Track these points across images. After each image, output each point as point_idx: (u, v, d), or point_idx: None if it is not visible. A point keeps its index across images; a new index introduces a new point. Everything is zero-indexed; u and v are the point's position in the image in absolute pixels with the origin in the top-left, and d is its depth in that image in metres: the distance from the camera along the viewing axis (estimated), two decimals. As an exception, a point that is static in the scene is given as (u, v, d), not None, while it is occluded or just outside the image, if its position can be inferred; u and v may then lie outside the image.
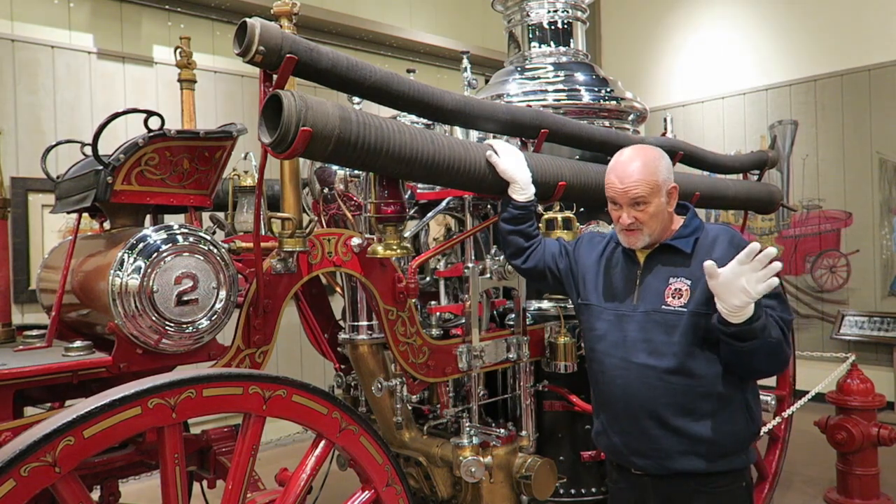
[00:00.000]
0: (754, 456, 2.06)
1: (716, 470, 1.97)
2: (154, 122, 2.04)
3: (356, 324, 2.54)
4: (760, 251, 1.72)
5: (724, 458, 1.97)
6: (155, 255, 1.84)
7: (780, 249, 2.11)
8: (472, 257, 2.70)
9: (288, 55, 1.72)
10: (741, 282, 1.72)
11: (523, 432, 2.70)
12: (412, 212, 2.78)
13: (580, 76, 3.29)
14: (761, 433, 2.08)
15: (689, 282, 1.99)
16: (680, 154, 3.08)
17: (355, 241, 2.26)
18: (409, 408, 2.75)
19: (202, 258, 1.92)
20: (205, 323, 1.92)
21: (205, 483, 2.45)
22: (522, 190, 2.28)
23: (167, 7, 5.04)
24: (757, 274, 1.71)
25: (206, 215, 2.77)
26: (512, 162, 2.24)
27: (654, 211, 2.01)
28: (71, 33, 4.63)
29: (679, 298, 1.98)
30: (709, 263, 1.78)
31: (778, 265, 1.73)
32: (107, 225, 2.33)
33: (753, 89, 6.59)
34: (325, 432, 1.85)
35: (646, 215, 2.01)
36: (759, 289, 1.71)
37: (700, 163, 3.36)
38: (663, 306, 1.99)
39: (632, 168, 2.02)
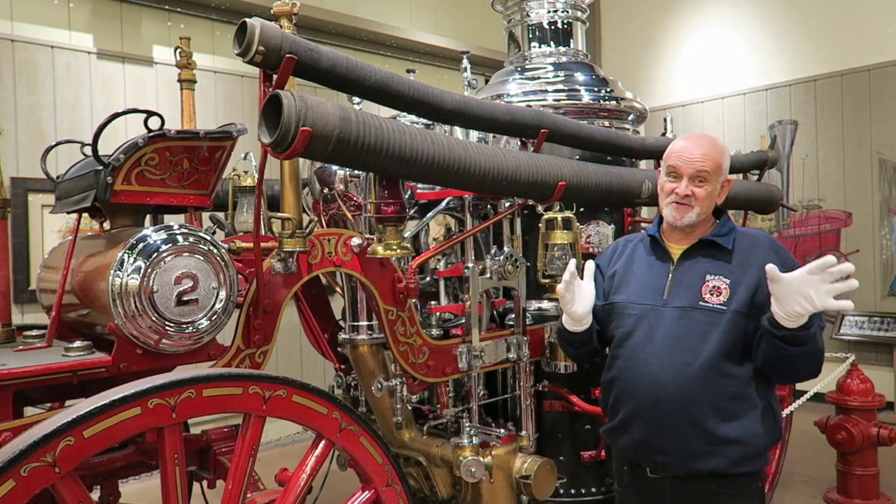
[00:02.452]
0: (769, 458, 2.07)
1: (737, 472, 1.96)
2: (154, 123, 2.04)
3: (356, 324, 2.54)
4: (836, 265, 1.71)
5: (748, 461, 1.96)
6: (155, 255, 1.84)
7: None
8: (472, 257, 2.70)
9: (288, 55, 1.72)
10: (808, 290, 1.71)
11: (523, 432, 2.70)
12: (412, 212, 2.78)
13: (580, 76, 3.29)
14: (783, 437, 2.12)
15: (728, 280, 1.98)
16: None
17: (355, 241, 2.26)
18: (409, 408, 2.75)
19: (202, 258, 1.92)
20: (205, 323, 1.92)
21: (205, 483, 2.45)
22: (578, 324, 2.20)
23: (167, 7, 5.04)
24: (827, 286, 1.71)
25: (206, 215, 2.77)
26: (581, 308, 2.16)
27: (709, 191, 2.04)
28: (71, 33, 4.63)
29: (718, 296, 1.98)
30: (771, 267, 1.78)
31: (854, 283, 1.72)
32: (107, 225, 2.33)
33: (753, 89, 6.58)
34: (325, 432, 1.85)
35: (702, 192, 2.03)
36: (827, 302, 1.71)
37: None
38: (701, 303, 1.98)
39: (704, 142, 2.05)
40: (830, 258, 1.70)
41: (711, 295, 1.99)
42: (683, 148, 2.06)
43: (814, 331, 1.82)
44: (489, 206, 2.84)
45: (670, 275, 2.08)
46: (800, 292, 1.72)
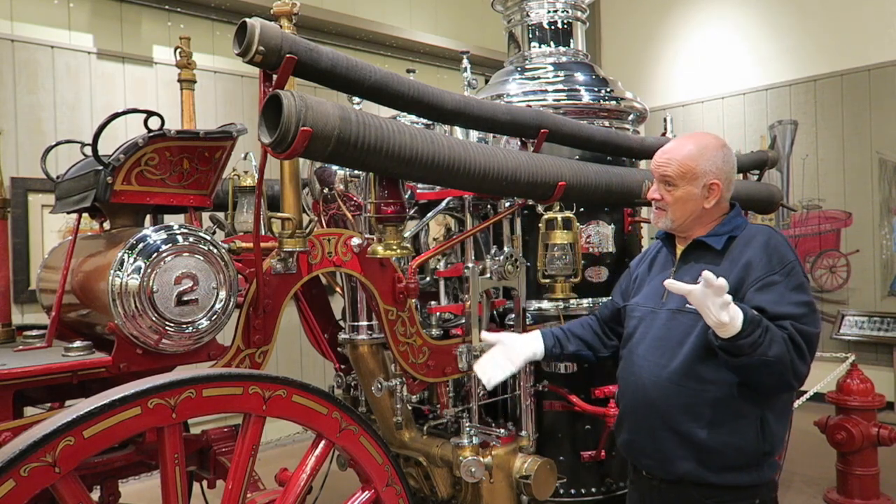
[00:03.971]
0: (769, 475, 1.94)
1: (721, 483, 1.89)
2: (154, 122, 2.04)
3: (356, 324, 2.54)
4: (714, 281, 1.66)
5: (729, 472, 1.88)
6: (155, 255, 1.84)
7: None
8: (472, 257, 2.70)
9: (287, 55, 1.72)
10: (707, 302, 1.67)
11: (523, 432, 2.70)
12: (412, 212, 2.78)
13: (580, 76, 3.29)
14: (778, 455, 1.94)
15: None
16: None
17: (355, 241, 2.26)
18: (409, 408, 2.75)
19: (202, 258, 1.92)
20: (205, 323, 1.92)
21: (205, 483, 2.45)
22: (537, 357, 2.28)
23: (167, 7, 5.04)
24: (718, 300, 1.66)
25: (206, 215, 2.77)
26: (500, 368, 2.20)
27: (680, 196, 1.97)
28: (71, 33, 4.63)
29: None
30: (669, 282, 1.76)
31: (728, 298, 1.66)
32: (107, 225, 2.33)
33: (753, 89, 6.58)
34: (325, 432, 1.85)
35: (670, 197, 1.98)
36: (721, 316, 1.67)
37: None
38: (686, 306, 1.90)
39: (673, 147, 2.00)
40: (707, 274, 1.66)
41: None
42: (661, 150, 2.04)
43: (750, 341, 1.70)
44: (489, 206, 2.84)
45: (671, 277, 2.06)
46: (703, 304, 1.68)
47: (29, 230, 4.35)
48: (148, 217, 2.40)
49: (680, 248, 2.10)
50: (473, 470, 2.41)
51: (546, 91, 3.20)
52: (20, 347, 2.09)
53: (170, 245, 1.87)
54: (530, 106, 2.84)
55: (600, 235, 3.15)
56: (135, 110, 2.08)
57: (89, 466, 2.09)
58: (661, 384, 1.95)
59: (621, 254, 3.19)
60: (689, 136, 2.05)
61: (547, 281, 2.89)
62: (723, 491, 1.91)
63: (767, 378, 1.81)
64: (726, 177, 2.01)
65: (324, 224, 2.66)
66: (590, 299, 3.09)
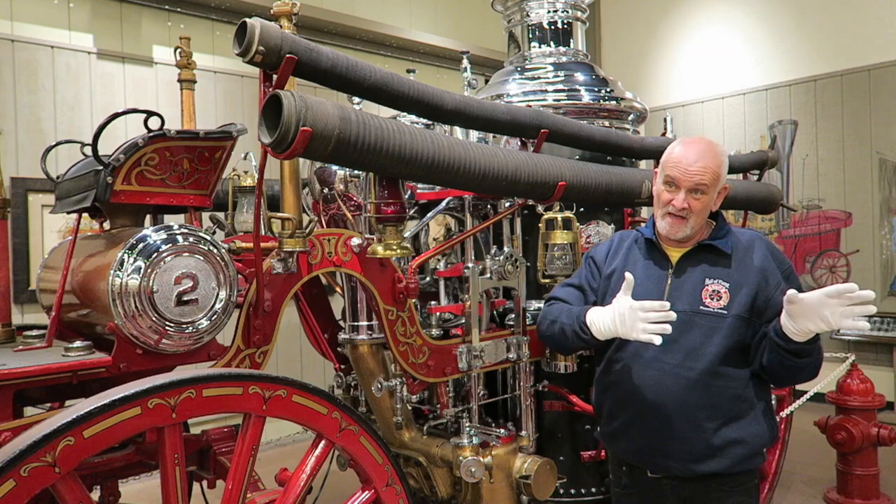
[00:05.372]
0: (766, 454, 2.14)
1: (737, 470, 1.99)
2: (154, 122, 2.04)
3: (356, 324, 2.54)
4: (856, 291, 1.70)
5: (748, 460, 1.99)
6: (155, 255, 1.84)
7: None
8: (472, 257, 2.70)
9: (288, 55, 1.72)
10: (824, 312, 1.72)
11: (523, 432, 2.70)
12: (412, 212, 2.78)
13: (580, 76, 3.29)
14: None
15: (727, 284, 1.98)
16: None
17: (355, 241, 2.26)
18: (409, 408, 2.75)
19: (202, 258, 1.92)
20: (205, 323, 1.92)
21: (205, 483, 2.45)
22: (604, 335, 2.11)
23: (167, 7, 5.04)
24: (844, 309, 1.70)
25: (206, 215, 2.77)
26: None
27: (706, 202, 2.02)
28: (71, 33, 4.63)
29: (718, 300, 1.98)
30: (791, 292, 1.78)
31: (872, 308, 1.70)
32: (107, 225, 2.33)
33: (753, 89, 6.58)
34: (325, 432, 1.85)
35: (699, 205, 2.01)
36: (844, 324, 1.72)
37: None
38: (702, 307, 1.97)
39: (703, 152, 2.01)
40: (853, 286, 1.70)
41: (711, 299, 1.98)
42: (682, 157, 2.02)
43: (819, 343, 1.86)
44: (489, 206, 2.84)
45: (669, 279, 2.06)
46: (816, 313, 1.73)
47: (29, 230, 4.35)
48: (148, 217, 2.40)
49: (676, 251, 2.10)
50: (473, 470, 2.41)
51: (546, 91, 3.20)
52: (20, 347, 2.09)
53: (170, 245, 1.87)
54: (530, 106, 2.83)
55: (600, 235, 3.15)
56: (135, 110, 2.08)
57: (89, 466, 2.09)
58: (689, 386, 1.96)
59: (621, 254, 3.19)
60: (698, 142, 2.05)
61: (547, 281, 2.88)
62: (735, 477, 2.01)
63: (808, 374, 1.94)
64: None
65: (324, 224, 2.66)
66: (590, 299, 3.08)
